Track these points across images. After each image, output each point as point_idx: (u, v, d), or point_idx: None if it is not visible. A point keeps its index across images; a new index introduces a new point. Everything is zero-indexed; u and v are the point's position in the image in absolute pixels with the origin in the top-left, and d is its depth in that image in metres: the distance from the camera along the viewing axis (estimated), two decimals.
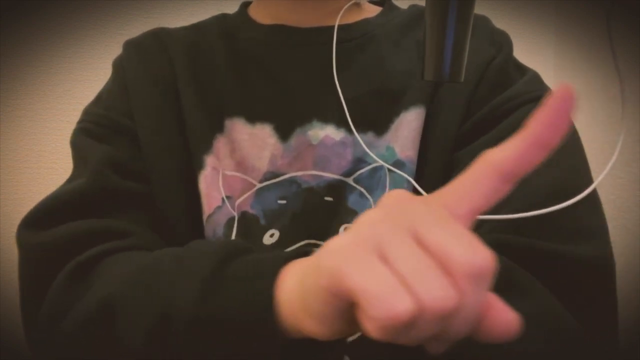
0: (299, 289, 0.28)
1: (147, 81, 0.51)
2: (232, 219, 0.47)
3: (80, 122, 0.51)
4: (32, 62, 0.96)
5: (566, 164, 0.41)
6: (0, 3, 0.92)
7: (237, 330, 0.31)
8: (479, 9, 0.37)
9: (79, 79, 0.97)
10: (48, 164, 0.98)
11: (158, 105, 0.50)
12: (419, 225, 0.24)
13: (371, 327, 0.23)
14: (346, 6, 0.52)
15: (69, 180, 0.48)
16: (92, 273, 0.39)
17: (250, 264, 0.32)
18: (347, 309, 0.25)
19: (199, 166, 0.48)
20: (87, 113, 0.52)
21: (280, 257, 0.31)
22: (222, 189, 0.48)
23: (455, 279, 0.23)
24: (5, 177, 0.97)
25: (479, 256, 0.23)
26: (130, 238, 0.43)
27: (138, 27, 0.97)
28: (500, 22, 0.53)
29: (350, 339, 0.42)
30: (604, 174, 0.31)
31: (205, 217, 0.47)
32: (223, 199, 0.47)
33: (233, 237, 0.47)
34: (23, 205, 0.97)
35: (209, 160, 0.48)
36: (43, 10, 0.94)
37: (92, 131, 0.50)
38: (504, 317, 0.24)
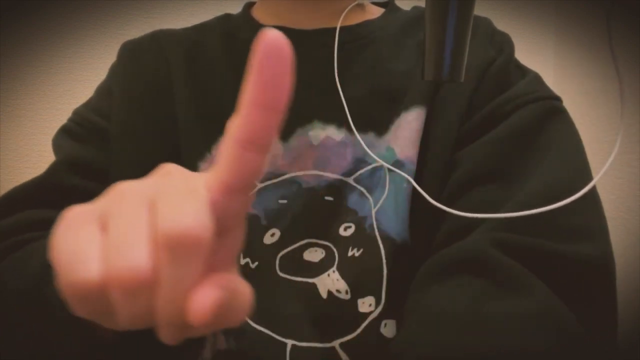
0: None
1: (137, 86, 0.51)
2: None
3: (67, 120, 0.53)
4: (32, 62, 0.96)
5: (567, 163, 0.41)
6: (0, 3, 0.92)
7: (53, 309, 0.31)
8: (479, 9, 0.37)
9: (79, 79, 0.97)
10: (48, 164, 0.98)
11: (145, 111, 0.50)
12: (156, 195, 0.23)
13: (66, 297, 0.22)
14: (348, 7, 0.52)
15: None
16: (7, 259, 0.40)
17: None
18: None
19: (192, 171, 0.48)
20: (75, 113, 0.53)
21: None
22: None
23: (156, 249, 0.21)
24: (5, 177, 0.97)
25: (179, 225, 0.21)
26: None
27: (138, 27, 0.97)
28: (500, 22, 0.53)
29: (346, 338, 0.42)
30: (603, 171, 0.31)
31: None
32: None
33: None
34: None
35: (203, 167, 0.48)
36: (43, 10, 0.94)
37: (71, 130, 0.52)
38: (200, 297, 0.21)
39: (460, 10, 0.36)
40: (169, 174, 0.25)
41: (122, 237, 0.21)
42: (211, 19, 0.58)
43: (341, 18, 0.51)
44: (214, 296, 0.21)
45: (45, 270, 0.32)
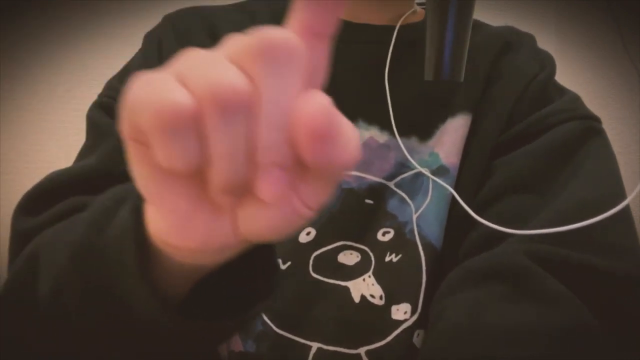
0: None
1: None
2: None
3: (100, 95, 0.48)
4: (32, 63, 0.96)
5: (600, 182, 0.41)
6: (0, 3, 0.92)
7: (113, 263, 0.27)
8: (479, 9, 0.37)
9: (79, 79, 0.97)
10: (48, 164, 0.98)
11: None
12: (232, 46, 0.20)
13: (153, 145, 0.19)
14: (409, 12, 0.51)
15: (79, 156, 0.46)
16: None
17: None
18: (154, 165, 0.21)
19: None
20: (110, 87, 0.49)
21: None
22: None
23: (245, 66, 0.19)
24: (5, 177, 0.97)
25: (273, 32, 0.19)
26: None
27: (139, 27, 0.97)
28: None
29: (375, 346, 0.42)
30: (638, 189, 0.31)
31: None
32: None
33: None
34: None
35: None
36: (43, 10, 0.94)
37: (110, 107, 0.46)
38: (310, 103, 0.19)
39: (460, 10, 0.36)
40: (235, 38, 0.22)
41: (205, 68, 0.19)
42: (245, 1, 0.55)
43: (402, 18, 0.50)
44: (325, 101, 0.19)
45: (94, 225, 0.29)
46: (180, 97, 0.18)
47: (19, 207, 0.42)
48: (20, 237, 0.41)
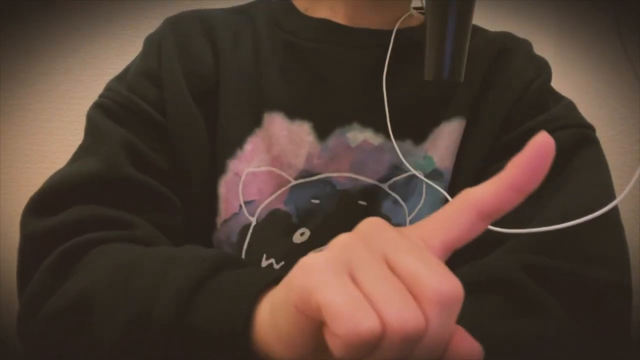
0: (270, 309, 0.28)
1: (185, 68, 0.48)
2: (247, 226, 0.47)
3: (100, 96, 0.49)
4: (32, 62, 0.96)
5: (594, 188, 0.42)
6: (0, 3, 0.92)
7: (210, 348, 0.31)
8: (478, 9, 0.37)
9: (79, 79, 0.97)
10: (49, 164, 0.98)
11: (192, 95, 0.48)
12: (391, 250, 0.25)
13: (336, 345, 0.23)
14: (406, 15, 0.51)
15: (77, 155, 0.46)
16: (78, 261, 0.38)
17: (235, 280, 0.32)
18: (314, 332, 0.25)
19: (220, 170, 0.47)
20: (109, 89, 0.49)
21: (264, 277, 0.31)
22: (241, 195, 0.47)
23: (422, 304, 0.23)
24: (6, 177, 0.97)
25: (448, 284, 0.23)
26: (130, 230, 0.41)
27: (140, 28, 0.98)
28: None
29: None
30: (625, 193, 0.32)
31: (220, 221, 0.47)
32: (240, 206, 0.47)
33: (245, 244, 0.46)
34: (23, 205, 0.97)
35: (232, 165, 0.47)
36: (43, 10, 0.94)
37: (110, 109, 0.47)
38: (468, 347, 0.24)
39: (460, 10, 0.36)
40: (380, 227, 0.26)
41: (386, 292, 0.23)
42: (246, 3, 0.55)
43: (398, 22, 0.50)
44: (478, 349, 0.25)
45: (187, 302, 0.32)
46: (375, 326, 0.22)
47: (27, 210, 0.43)
48: (30, 239, 0.42)
